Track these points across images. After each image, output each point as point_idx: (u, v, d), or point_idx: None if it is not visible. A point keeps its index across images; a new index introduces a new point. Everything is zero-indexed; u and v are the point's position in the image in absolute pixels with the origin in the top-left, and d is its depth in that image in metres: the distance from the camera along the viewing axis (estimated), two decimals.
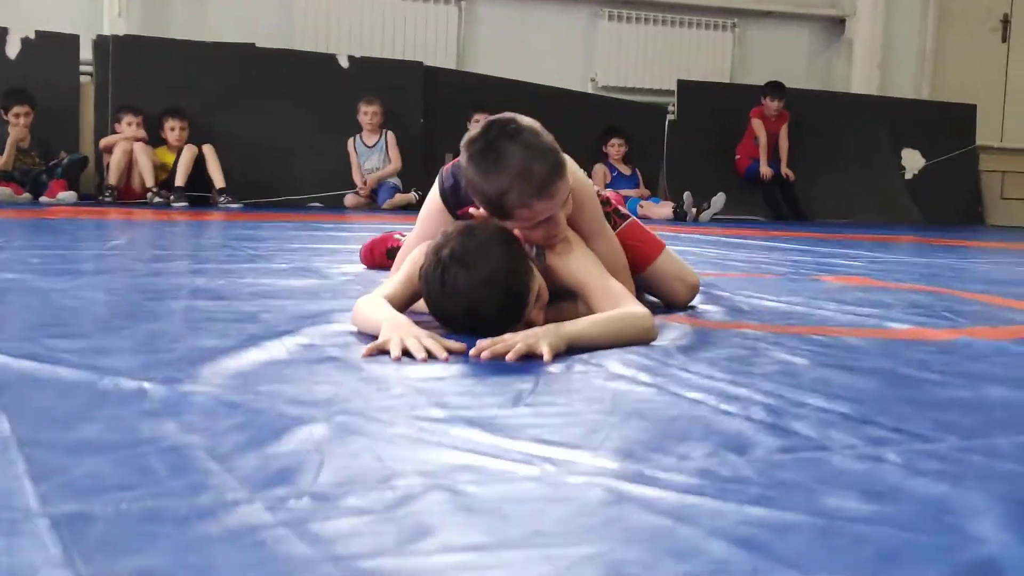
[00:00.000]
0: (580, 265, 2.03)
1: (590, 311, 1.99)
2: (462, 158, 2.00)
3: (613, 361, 1.69)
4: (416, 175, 7.98)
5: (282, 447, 1.13)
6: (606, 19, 9.33)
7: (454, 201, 2.15)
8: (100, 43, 7.48)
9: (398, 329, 1.73)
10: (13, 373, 1.44)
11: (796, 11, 9.96)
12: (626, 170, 8.72)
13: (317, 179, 7.83)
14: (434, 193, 2.21)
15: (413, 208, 7.59)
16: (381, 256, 3.08)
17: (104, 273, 2.69)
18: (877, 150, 9.71)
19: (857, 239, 6.07)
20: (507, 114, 2.04)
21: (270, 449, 1.11)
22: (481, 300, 1.85)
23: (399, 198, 7.70)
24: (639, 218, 7.72)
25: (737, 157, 9.12)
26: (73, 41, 7.43)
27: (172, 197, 7.07)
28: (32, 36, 7.35)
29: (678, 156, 9.08)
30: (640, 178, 8.75)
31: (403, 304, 1.98)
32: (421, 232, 2.22)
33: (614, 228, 2.37)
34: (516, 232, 1.99)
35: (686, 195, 8.01)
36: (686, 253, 4.26)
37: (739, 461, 1.14)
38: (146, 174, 7.13)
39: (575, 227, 2.11)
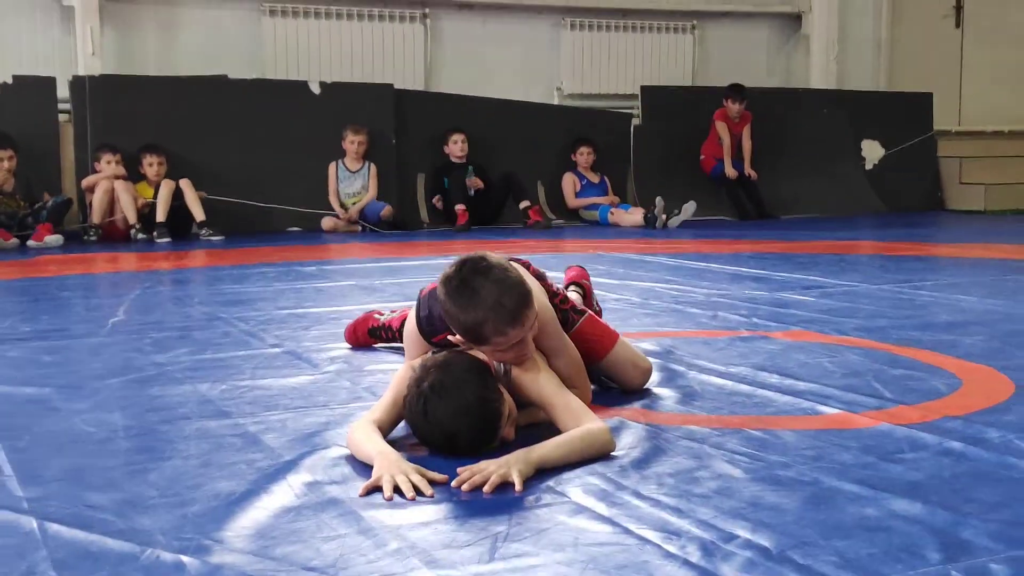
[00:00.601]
0: (543, 384, 2.30)
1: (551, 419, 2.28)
2: (440, 293, 2.26)
3: (576, 488, 1.97)
4: (389, 195, 8.27)
5: None
6: (568, 28, 9.59)
7: (429, 329, 2.42)
8: (76, 84, 7.67)
9: (389, 467, 2.00)
10: (68, 546, 1.70)
11: (753, 9, 10.24)
12: (594, 178, 9.00)
13: (295, 204, 8.08)
14: (411, 323, 2.47)
15: (402, 230, 7.91)
16: (364, 336, 3.34)
17: (114, 377, 2.94)
18: (838, 143, 10.02)
19: (816, 251, 6.37)
20: (477, 252, 2.30)
21: None
22: (459, 428, 2.13)
23: (388, 208, 8.01)
24: (610, 225, 8.00)
25: (702, 158, 9.42)
26: (50, 83, 7.63)
27: (155, 234, 7.31)
28: (10, 81, 7.53)
29: (645, 160, 9.36)
30: (608, 185, 9.03)
31: (391, 426, 2.26)
32: (408, 357, 2.50)
33: (573, 325, 2.65)
34: (486, 358, 2.27)
35: (658, 200, 8.29)
36: (649, 291, 4.55)
37: None
38: (128, 211, 7.36)
39: (538, 345, 2.38)
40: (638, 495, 1.94)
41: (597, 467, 2.09)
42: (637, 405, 2.61)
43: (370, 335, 3.33)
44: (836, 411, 2.53)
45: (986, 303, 4.14)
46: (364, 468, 2.08)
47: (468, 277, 2.22)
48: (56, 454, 2.22)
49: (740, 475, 2.06)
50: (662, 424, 2.43)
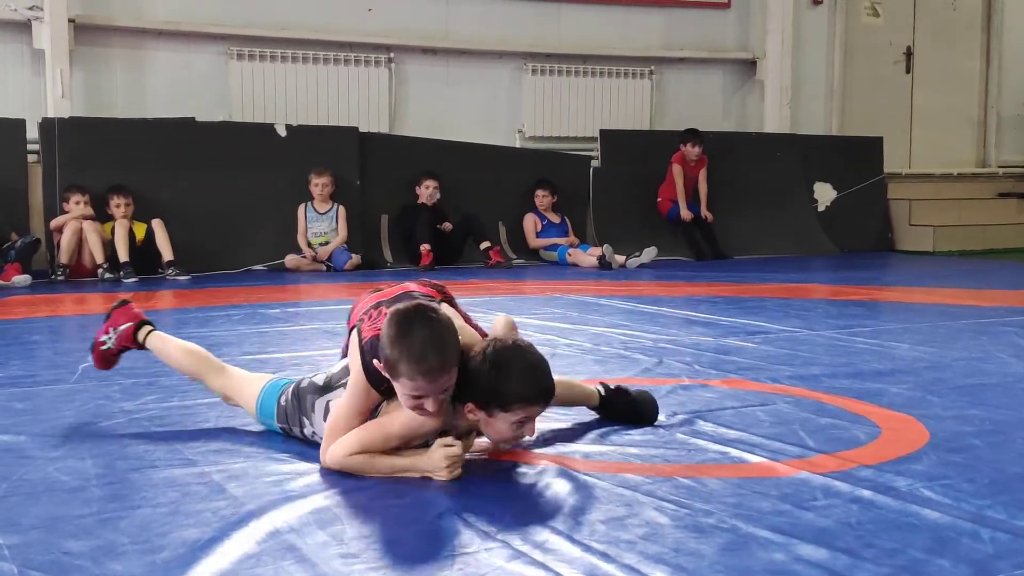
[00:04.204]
0: None
1: None
2: (385, 321, 2.49)
3: (514, 535, 2.15)
4: (353, 236, 8.45)
5: None
6: (530, 73, 9.85)
7: (377, 380, 2.58)
8: (46, 125, 7.81)
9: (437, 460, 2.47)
10: None
11: (709, 56, 10.55)
12: (555, 218, 9.23)
13: (260, 245, 8.24)
14: (357, 366, 2.61)
15: (365, 269, 8.10)
16: (111, 358, 3.27)
17: (85, 425, 3.10)
18: (791, 185, 10.32)
19: (765, 294, 6.61)
20: (433, 304, 2.56)
21: None
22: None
23: (355, 259, 8.20)
24: (568, 265, 8.21)
25: (659, 200, 9.68)
26: (19, 125, 7.77)
27: (121, 273, 7.44)
28: None
29: (604, 202, 9.61)
30: (569, 225, 9.26)
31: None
32: (350, 395, 2.64)
33: None
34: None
35: (605, 247, 8.52)
36: (600, 337, 4.75)
37: None
38: (95, 251, 7.49)
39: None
40: (571, 541, 2.12)
41: (536, 514, 2.28)
42: (577, 455, 2.80)
43: (116, 356, 3.28)
44: (761, 460, 2.73)
45: (916, 351, 4.38)
46: (320, 517, 2.25)
47: (413, 318, 2.45)
48: (32, 502, 2.37)
49: (666, 522, 2.25)
50: (599, 472, 2.62)
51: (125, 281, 7.37)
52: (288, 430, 2.89)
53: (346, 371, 2.78)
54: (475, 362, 2.50)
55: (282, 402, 2.89)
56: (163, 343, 3.18)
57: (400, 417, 2.55)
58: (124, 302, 3.32)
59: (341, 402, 2.68)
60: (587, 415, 3.21)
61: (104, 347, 3.24)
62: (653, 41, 10.33)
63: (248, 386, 3.01)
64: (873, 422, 3.15)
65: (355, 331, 2.70)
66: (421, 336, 2.41)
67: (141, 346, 3.20)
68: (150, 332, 3.19)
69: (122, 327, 3.22)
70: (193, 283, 7.37)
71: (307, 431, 2.83)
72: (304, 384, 2.86)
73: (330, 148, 8.51)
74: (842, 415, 3.24)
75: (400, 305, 2.52)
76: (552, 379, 2.57)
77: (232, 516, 2.27)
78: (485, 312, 4.81)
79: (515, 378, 2.48)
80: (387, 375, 2.48)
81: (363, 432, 2.57)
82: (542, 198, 9.17)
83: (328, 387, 2.80)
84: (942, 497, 2.40)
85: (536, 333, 4.85)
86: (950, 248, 10.26)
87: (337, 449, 2.57)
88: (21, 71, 8.17)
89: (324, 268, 8.25)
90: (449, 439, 2.53)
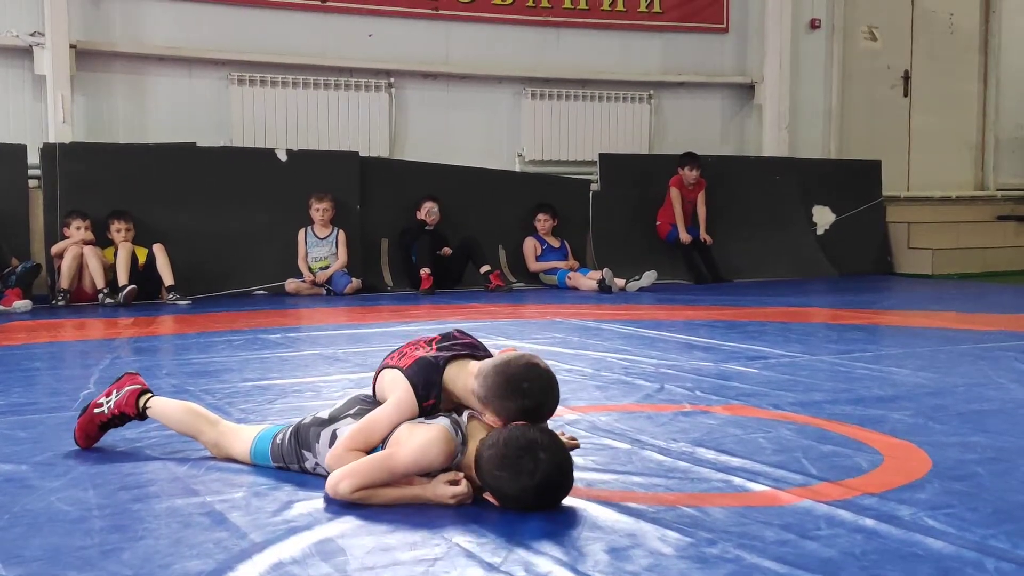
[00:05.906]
0: None
1: None
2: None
3: (518, 567, 2.15)
4: (354, 260, 8.46)
5: None
6: (529, 97, 9.90)
7: (423, 394, 2.69)
8: (47, 151, 7.84)
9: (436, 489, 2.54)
10: None
11: (708, 80, 10.60)
12: (555, 242, 9.25)
13: (261, 270, 8.25)
14: (405, 388, 2.70)
15: (365, 293, 8.13)
16: (96, 433, 3.16)
17: (86, 453, 3.10)
18: (790, 209, 10.34)
19: (766, 318, 6.62)
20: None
21: None
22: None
23: (355, 283, 8.23)
24: (568, 289, 8.24)
25: (658, 223, 9.71)
26: (21, 151, 7.79)
27: (120, 297, 7.44)
28: None
29: (603, 226, 9.63)
30: (568, 249, 9.28)
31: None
32: (391, 414, 2.69)
33: None
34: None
35: (605, 270, 8.54)
36: (600, 362, 4.75)
37: None
38: (96, 276, 7.50)
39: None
40: (575, 572, 2.12)
41: (540, 545, 2.27)
42: (580, 484, 2.79)
43: (101, 430, 3.17)
44: (764, 488, 2.73)
45: (917, 376, 4.38)
46: (324, 548, 2.25)
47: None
48: (35, 533, 2.37)
49: (670, 552, 2.24)
50: (603, 500, 2.61)
51: (122, 298, 7.35)
52: (284, 469, 2.88)
53: (351, 404, 2.82)
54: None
55: (278, 441, 2.89)
56: (162, 405, 3.14)
57: (403, 452, 2.56)
58: (133, 373, 3.30)
59: (381, 409, 2.73)
60: (589, 445, 3.21)
61: (98, 410, 3.14)
62: (652, 65, 10.39)
63: (242, 432, 3.03)
64: (875, 449, 3.14)
65: (386, 369, 2.81)
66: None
67: (139, 413, 3.13)
68: (151, 398, 3.16)
69: (126, 388, 3.16)
70: (193, 308, 7.37)
71: (308, 464, 2.83)
72: (306, 422, 2.87)
73: (331, 173, 8.54)
74: (844, 442, 3.24)
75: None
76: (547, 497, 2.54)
77: (235, 547, 2.27)
78: (487, 336, 4.81)
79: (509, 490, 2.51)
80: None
81: (367, 467, 2.57)
82: (543, 222, 9.19)
83: (333, 419, 2.82)
84: (946, 526, 2.40)
85: None
86: (949, 271, 10.28)
87: (342, 484, 2.55)
88: (22, 96, 8.21)
89: (324, 292, 8.26)
90: (453, 475, 2.56)
